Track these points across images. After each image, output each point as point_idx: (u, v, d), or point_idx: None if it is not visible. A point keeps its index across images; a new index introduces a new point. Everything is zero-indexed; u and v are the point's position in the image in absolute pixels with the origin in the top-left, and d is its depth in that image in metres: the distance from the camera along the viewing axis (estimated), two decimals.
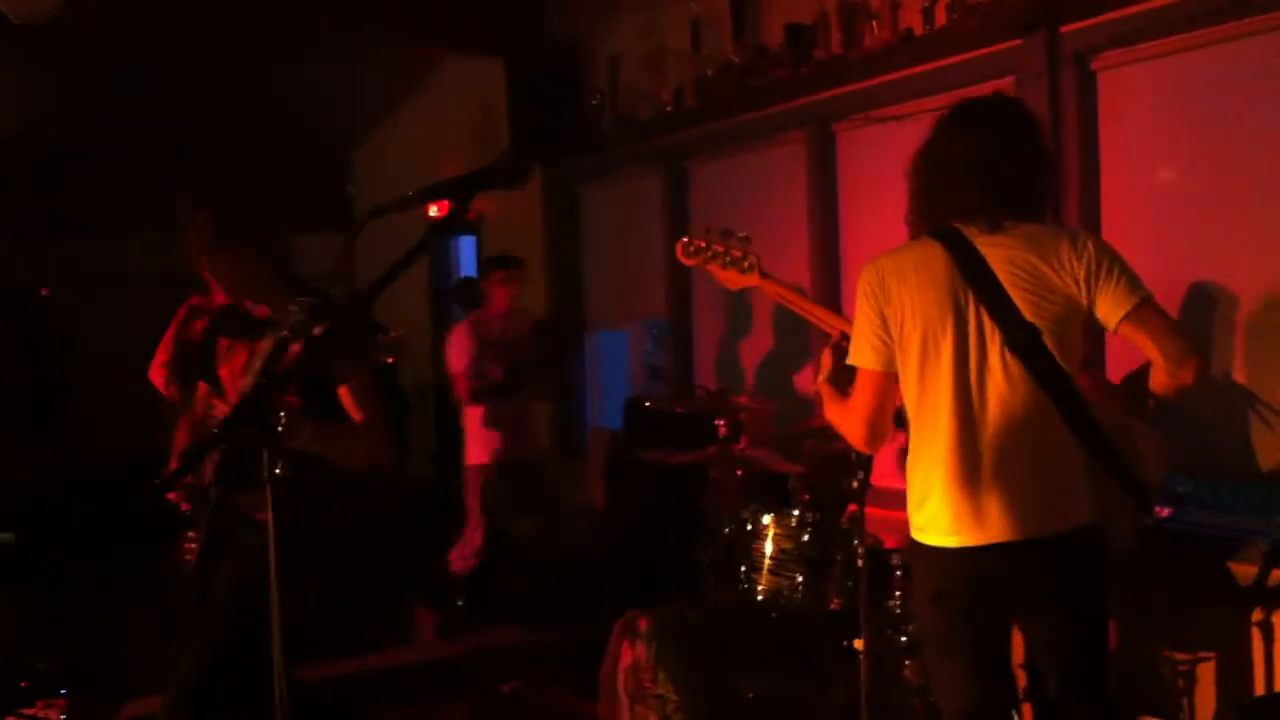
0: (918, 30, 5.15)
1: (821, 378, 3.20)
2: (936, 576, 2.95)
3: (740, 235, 3.45)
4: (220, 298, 4.26)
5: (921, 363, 2.91)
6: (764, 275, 3.41)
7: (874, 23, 5.37)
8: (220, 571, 3.56)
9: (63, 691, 4.86)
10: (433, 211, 8.76)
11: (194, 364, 4.23)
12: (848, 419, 3.06)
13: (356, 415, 3.50)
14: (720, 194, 6.83)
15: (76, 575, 7.12)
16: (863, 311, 2.98)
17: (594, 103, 7.44)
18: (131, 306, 5.33)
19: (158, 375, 5.21)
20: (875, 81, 5.54)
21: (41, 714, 4.79)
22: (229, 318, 3.82)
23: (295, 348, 2.84)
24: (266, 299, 3.64)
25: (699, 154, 6.96)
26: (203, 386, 3.93)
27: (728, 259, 3.43)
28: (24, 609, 6.27)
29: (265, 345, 3.49)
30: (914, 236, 3.01)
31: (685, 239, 3.48)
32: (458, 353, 6.48)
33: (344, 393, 3.51)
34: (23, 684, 4.96)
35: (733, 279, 3.44)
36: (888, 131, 5.53)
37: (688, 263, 3.50)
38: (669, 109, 6.74)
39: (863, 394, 3.01)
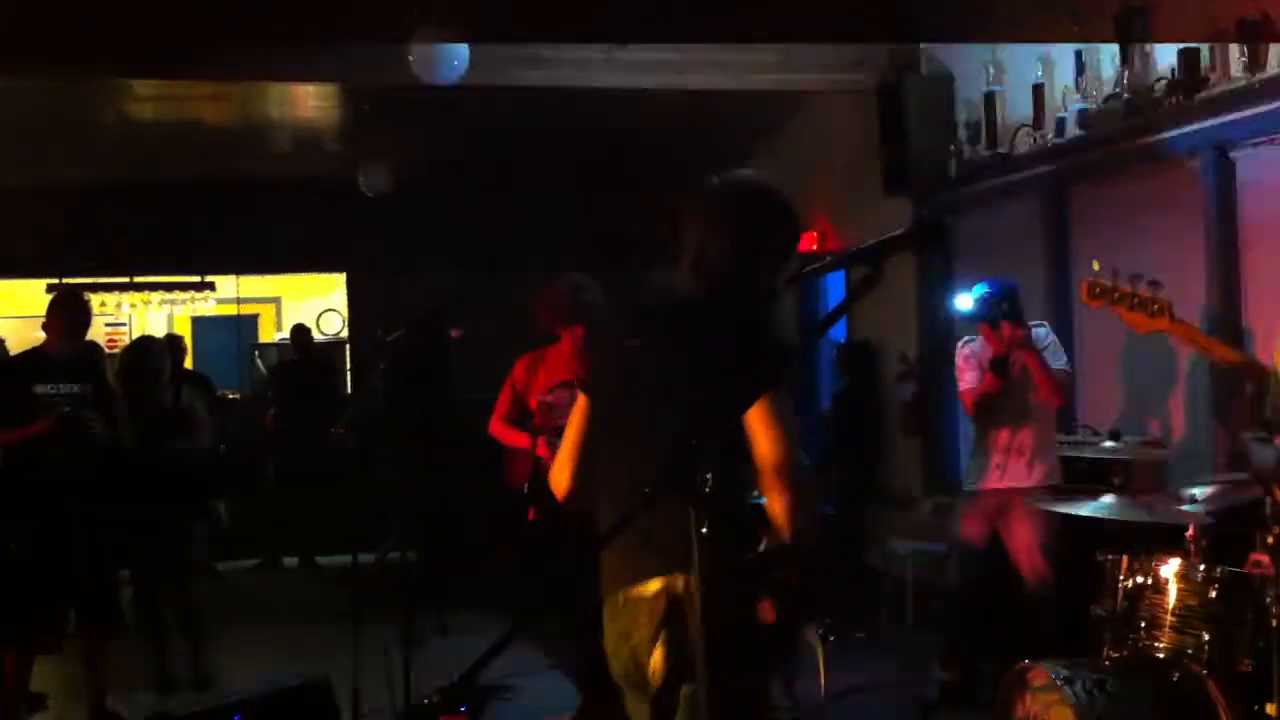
0: None
1: (1244, 432, 3.08)
2: None
3: (1150, 278, 3.36)
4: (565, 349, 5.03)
5: None
6: (1174, 319, 3.32)
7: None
8: None
9: (463, 708, 5.12)
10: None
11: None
12: None
13: None
14: (1102, 223, 6.57)
15: (472, 592, 7.55)
16: None
17: (965, 135, 7.36)
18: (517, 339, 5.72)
19: (497, 429, 5.41)
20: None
21: None
22: None
23: None
24: None
25: (1081, 183, 6.73)
26: None
27: (1136, 301, 3.35)
28: (420, 621, 6.58)
29: None
30: None
31: (1091, 279, 3.43)
32: None
33: None
34: (426, 701, 5.25)
35: (1141, 322, 3.38)
36: None
37: (1093, 304, 3.44)
38: (1050, 139, 6.58)
39: None
